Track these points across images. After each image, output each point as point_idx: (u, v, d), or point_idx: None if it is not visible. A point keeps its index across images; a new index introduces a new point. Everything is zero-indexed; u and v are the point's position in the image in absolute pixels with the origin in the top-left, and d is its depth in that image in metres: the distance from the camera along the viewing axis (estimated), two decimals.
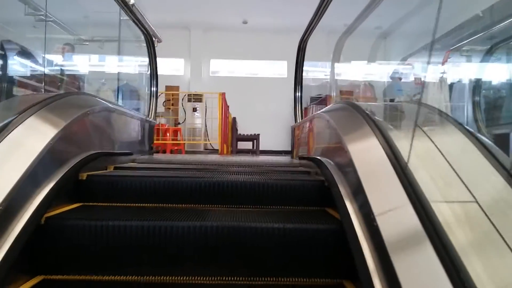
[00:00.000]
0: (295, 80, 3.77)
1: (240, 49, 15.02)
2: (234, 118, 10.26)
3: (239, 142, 10.34)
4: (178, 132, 8.85)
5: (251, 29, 14.90)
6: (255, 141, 10.14)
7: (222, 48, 15.04)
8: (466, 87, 8.09)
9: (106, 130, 2.18)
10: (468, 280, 0.94)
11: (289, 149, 13.67)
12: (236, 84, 15.06)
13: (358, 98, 9.17)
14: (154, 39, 4.44)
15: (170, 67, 15.45)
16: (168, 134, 8.56)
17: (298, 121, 3.58)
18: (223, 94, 6.98)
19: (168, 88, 15.23)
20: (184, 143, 8.66)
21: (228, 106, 9.35)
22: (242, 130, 14.06)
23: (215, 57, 15.28)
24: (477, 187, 1.41)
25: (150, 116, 3.53)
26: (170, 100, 14.89)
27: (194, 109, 14.58)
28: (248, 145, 10.70)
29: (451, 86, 8.35)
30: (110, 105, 2.26)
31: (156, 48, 4.73)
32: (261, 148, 13.53)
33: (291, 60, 13.05)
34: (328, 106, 2.44)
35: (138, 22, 3.23)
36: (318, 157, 2.20)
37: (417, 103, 2.33)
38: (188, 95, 14.52)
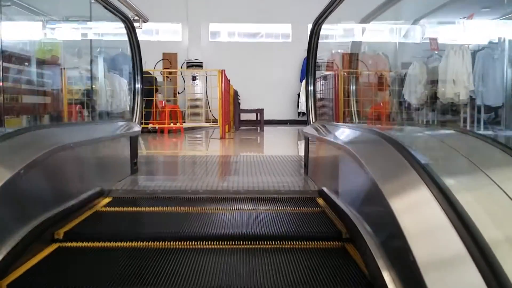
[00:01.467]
0: (307, 71, 3.19)
1: (241, 11, 14.20)
2: (236, 92, 9.66)
3: (242, 115, 9.79)
4: (177, 112, 8.29)
5: None
6: (258, 114, 9.58)
7: (221, 10, 14.22)
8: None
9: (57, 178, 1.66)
10: None
11: (294, 117, 12.92)
12: (238, 49, 14.35)
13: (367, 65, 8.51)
14: (139, 19, 3.81)
15: (167, 32, 14.70)
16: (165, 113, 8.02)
17: (311, 121, 3.03)
18: (222, 72, 6.37)
19: (165, 55, 14.58)
20: (183, 125, 8.11)
21: (229, 81, 8.74)
22: (245, 101, 13.47)
23: (215, 21, 14.48)
24: None
25: (134, 120, 3.00)
26: (168, 68, 14.29)
27: (194, 78, 13.96)
28: (252, 116, 10.16)
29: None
30: (68, 140, 1.72)
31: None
32: (266, 117, 12.98)
33: (296, 22, 12.19)
34: (353, 135, 1.89)
35: (109, 5, 2.63)
36: (341, 204, 1.70)
37: (472, 135, 1.72)
38: (188, 62, 13.88)
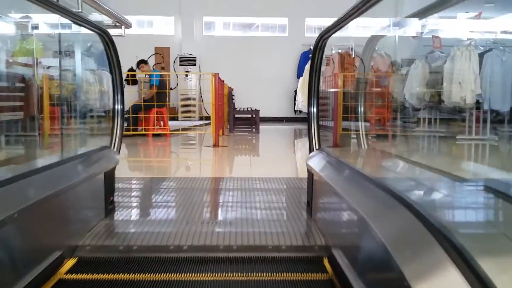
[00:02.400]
0: (309, 90, 2.85)
1: (236, 4, 13.77)
2: (230, 92, 9.29)
3: (238, 113, 9.44)
4: (163, 115, 7.90)
5: None
6: (254, 116, 9.24)
7: (216, 2, 13.78)
8: None
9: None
10: None
11: (291, 114, 12.57)
12: (233, 44, 13.94)
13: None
14: (120, 25, 3.47)
15: (160, 26, 14.25)
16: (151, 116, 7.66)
17: (314, 147, 2.69)
18: (215, 75, 6.01)
19: (157, 49, 14.15)
20: (168, 129, 7.74)
21: (223, 81, 8.37)
22: (240, 98, 13.10)
23: (209, 14, 14.04)
24: None
25: (113, 145, 2.65)
26: (160, 63, 13.88)
27: (187, 74, 13.56)
28: (247, 113, 9.81)
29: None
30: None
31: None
32: (262, 114, 12.62)
33: (293, 16, 11.79)
34: (366, 192, 1.57)
35: (78, 19, 2.27)
36: (353, 280, 1.38)
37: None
38: (180, 57, 13.46)
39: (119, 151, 2.69)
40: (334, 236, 1.87)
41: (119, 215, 2.34)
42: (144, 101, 7.46)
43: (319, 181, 2.25)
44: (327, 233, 1.99)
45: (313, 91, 2.83)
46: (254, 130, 9.21)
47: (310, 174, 2.43)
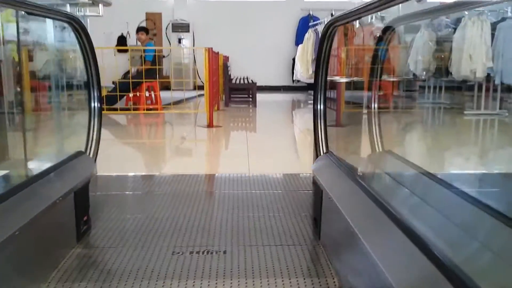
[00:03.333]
0: (315, 84, 2.49)
1: None
2: (226, 63, 8.85)
3: (234, 86, 9.03)
4: (153, 90, 7.52)
5: None
6: (251, 91, 8.85)
7: None
8: None
9: None
10: None
11: (289, 83, 12.24)
12: (227, 9, 13.31)
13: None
14: (97, 2, 3.09)
15: None
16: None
17: (321, 150, 2.36)
18: (209, 50, 5.60)
19: (148, 15, 13.52)
20: (160, 106, 7.36)
21: (217, 53, 7.94)
22: (236, 67, 12.62)
23: None
24: None
25: (89, 151, 2.32)
26: (152, 29, 13.28)
27: (180, 40, 13.02)
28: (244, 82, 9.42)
29: None
30: None
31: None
32: (259, 83, 12.21)
33: None
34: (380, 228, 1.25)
35: (38, 9, 1.88)
36: None
37: None
38: (173, 24, 12.89)
39: (96, 157, 2.36)
40: (349, 273, 1.57)
41: (95, 239, 2.02)
42: (132, 78, 7.04)
43: (329, 197, 1.92)
44: (338, 266, 1.69)
45: (320, 85, 2.47)
46: (251, 104, 8.83)
47: (317, 186, 2.10)
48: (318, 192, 2.11)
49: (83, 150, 2.33)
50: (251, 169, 3.40)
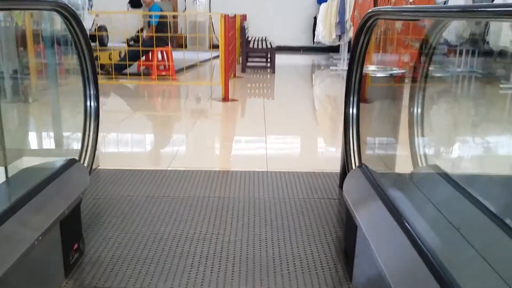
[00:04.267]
0: (347, 85, 2.13)
1: None
2: (243, 26, 8.37)
3: (251, 51, 8.58)
4: (165, 54, 7.17)
5: None
6: (269, 54, 8.41)
7: None
8: None
9: None
10: None
11: (309, 44, 11.77)
12: None
13: None
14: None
15: None
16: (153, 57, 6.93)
17: (352, 163, 2.05)
18: (225, 17, 5.18)
19: None
20: (173, 73, 7.03)
21: (234, 16, 7.47)
22: (253, 27, 12.07)
23: None
24: None
25: (82, 158, 2.03)
26: None
27: None
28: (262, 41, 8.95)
29: None
30: None
31: None
32: (278, 43, 11.70)
33: None
34: None
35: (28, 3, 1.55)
36: None
37: None
38: None
39: (91, 167, 2.07)
40: None
41: (87, 270, 1.77)
42: (142, 45, 6.69)
43: (365, 237, 1.62)
44: None
45: (353, 86, 2.12)
46: (269, 69, 8.41)
47: (350, 215, 1.80)
48: (351, 222, 1.81)
49: (77, 157, 2.05)
50: (269, 160, 3.10)
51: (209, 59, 9.15)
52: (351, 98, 2.13)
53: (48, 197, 1.66)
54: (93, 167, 2.86)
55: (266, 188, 2.59)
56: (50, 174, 1.76)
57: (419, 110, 2.17)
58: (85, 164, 2.04)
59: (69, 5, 1.87)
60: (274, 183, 2.68)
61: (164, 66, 7.30)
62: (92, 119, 2.12)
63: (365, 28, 1.96)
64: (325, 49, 12.01)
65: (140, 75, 6.86)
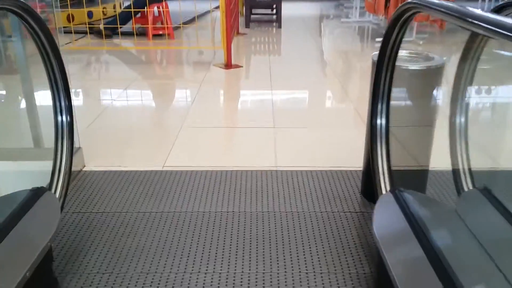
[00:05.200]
0: (374, 89, 1.75)
1: None
2: None
3: (254, 10, 8.01)
4: (162, 11, 6.66)
5: None
6: (276, 8, 7.84)
7: None
8: None
9: None
10: None
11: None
12: None
13: None
14: None
15: None
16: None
17: (382, 187, 1.72)
18: None
19: None
20: (171, 29, 6.56)
21: None
22: None
23: None
24: None
25: (54, 187, 1.71)
26: None
27: None
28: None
29: None
30: None
31: None
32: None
33: None
34: None
35: None
36: None
37: None
38: None
39: (65, 197, 1.75)
40: None
41: None
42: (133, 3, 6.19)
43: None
44: None
45: (381, 91, 1.75)
46: (275, 23, 7.87)
47: (382, 262, 1.48)
48: (384, 270, 1.49)
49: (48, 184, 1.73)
50: (278, 151, 2.77)
51: (208, 11, 8.59)
52: (379, 106, 1.76)
53: (8, 255, 1.35)
54: (78, 167, 2.57)
55: (275, 197, 2.27)
56: (8, 219, 1.45)
57: (463, 119, 1.79)
58: (57, 195, 1.72)
59: (28, 4, 1.48)
60: (285, 188, 2.35)
61: (161, 21, 6.79)
62: (65, 137, 1.77)
63: (400, 21, 1.57)
64: None
65: (134, 34, 6.41)
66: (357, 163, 2.53)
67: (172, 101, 4.02)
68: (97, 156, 2.72)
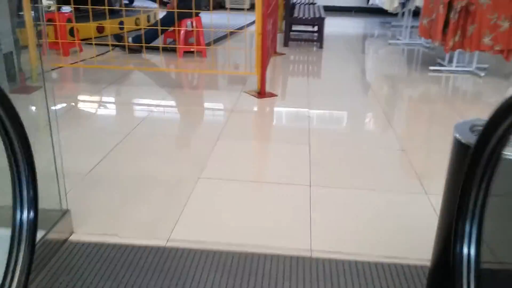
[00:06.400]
0: (458, 211, 1.23)
1: None
2: None
3: (296, 23, 7.52)
4: (195, 26, 6.28)
5: None
6: (318, 26, 7.35)
7: None
8: None
9: None
10: None
11: (362, 4, 10.72)
12: None
13: None
14: None
15: None
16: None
17: None
18: None
19: None
20: (202, 44, 6.17)
21: None
22: None
23: None
24: None
25: None
26: None
27: None
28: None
29: None
30: None
31: None
32: (326, 2, 10.54)
33: None
34: None
35: None
36: None
37: None
38: None
39: None
40: None
41: None
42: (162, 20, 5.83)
43: None
44: None
45: (471, 207, 1.22)
46: (316, 43, 7.37)
47: None
48: None
49: None
50: (314, 227, 2.26)
51: (242, 26, 8.17)
52: (467, 229, 1.23)
53: None
54: (65, 235, 2.13)
55: None
56: None
57: None
58: None
59: None
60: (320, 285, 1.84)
61: (197, 35, 6.38)
62: (23, 240, 1.32)
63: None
64: (380, 10, 10.73)
65: (166, 49, 6.06)
66: (419, 252, 1.99)
67: (190, 143, 3.50)
68: (89, 218, 2.28)
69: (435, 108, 4.47)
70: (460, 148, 1.45)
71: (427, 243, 1.76)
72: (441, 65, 6.07)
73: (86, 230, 2.18)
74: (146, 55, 6.02)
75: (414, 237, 2.18)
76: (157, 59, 6.01)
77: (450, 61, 6.01)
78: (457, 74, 5.78)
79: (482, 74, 5.67)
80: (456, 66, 5.90)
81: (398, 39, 7.98)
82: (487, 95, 5.01)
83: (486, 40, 5.47)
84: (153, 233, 2.20)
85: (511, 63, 5.90)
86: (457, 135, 1.46)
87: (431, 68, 5.95)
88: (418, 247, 2.06)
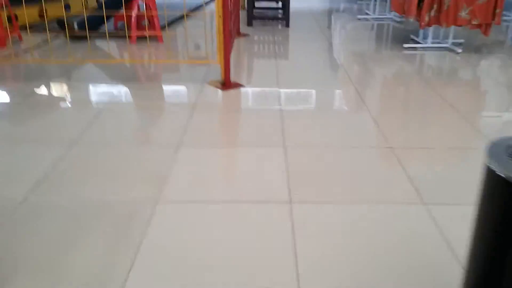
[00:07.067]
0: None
1: None
2: None
3: (257, 3, 7.01)
4: (152, 14, 5.69)
5: None
6: (282, 2, 6.87)
7: None
8: None
9: None
10: None
11: None
12: None
13: None
14: None
15: None
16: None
17: None
18: None
19: None
20: (159, 32, 5.61)
21: None
22: None
23: None
24: None
25: None
26: None
27: None
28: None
29: None
30: None
31: None
32: None
33: None
34: None
35: None
36: None
37: None
38: None
39: None
40: None
41: None
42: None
43: None
44: None
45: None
46: (281, 21, 6.90)
47: None
48: None
49: None
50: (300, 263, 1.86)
51: (201, 5, 7.60)
52: None
53: None
54: None
55: None
56: None
57: None
58: None
59: None
60: None
61: (149, 18, 5.79)
62: None
63: None
64: None
65: (116, 33, 5.47)
66: None
67: (146, 154, 2.94)
68: (17, 272, 1.79)
69: (421, 93, 4.10)
70: (495, 181, 1.06)
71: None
72: (415, 41, 5.72)
73: None
74: (95, 42, 5.42)
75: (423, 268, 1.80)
76: (107, 47, 5.41)
77: (425, 37, 5.67)
78: (433, 51, 5.44)
79: (459, 50, 5.36)
80: (432, 43, 5.56)
81: (367, 13, 7.59)
82: (467, 73, 4.69)
83: (463, 14, 5.14)
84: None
85: (487, 40, 5.60)
86: (491, 164, 1.06)
87: (405, 45, 5.59)
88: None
